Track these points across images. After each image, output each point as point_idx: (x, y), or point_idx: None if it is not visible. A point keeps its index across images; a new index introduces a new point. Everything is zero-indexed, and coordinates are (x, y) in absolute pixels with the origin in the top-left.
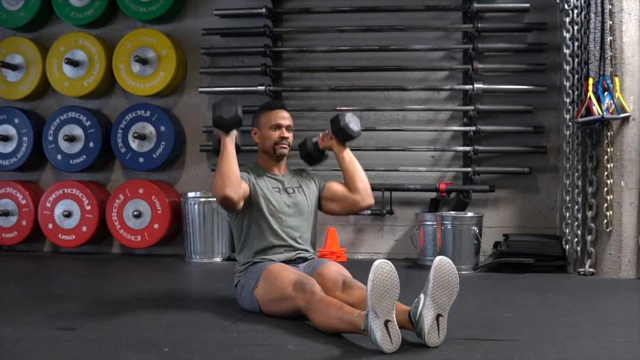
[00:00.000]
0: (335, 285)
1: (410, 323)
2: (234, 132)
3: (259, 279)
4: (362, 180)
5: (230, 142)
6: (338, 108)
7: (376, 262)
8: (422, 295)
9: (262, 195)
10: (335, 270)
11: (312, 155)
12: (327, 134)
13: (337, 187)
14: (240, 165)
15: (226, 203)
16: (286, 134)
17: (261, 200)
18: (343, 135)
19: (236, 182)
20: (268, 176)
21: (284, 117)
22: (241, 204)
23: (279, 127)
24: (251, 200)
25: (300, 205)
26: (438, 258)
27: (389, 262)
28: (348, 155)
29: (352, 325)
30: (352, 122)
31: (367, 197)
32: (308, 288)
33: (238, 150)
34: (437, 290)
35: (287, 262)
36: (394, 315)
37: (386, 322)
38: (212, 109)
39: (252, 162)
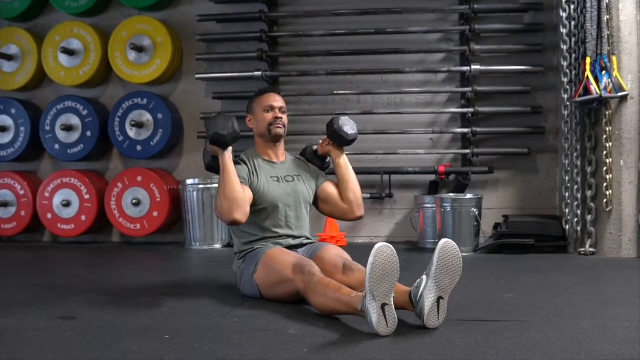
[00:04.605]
0: (335, 268)
1: (411, 303)
2: (231, 148)
3: (258, 263)
4: (354, 190)
5: (229, 159)
6: (335, 92)
7: (377, 245)
8: (424, 277)
9: (260, 185)
10: (335, 253)
11: (312, 162)
12: (325, 140)
13: (332, 190)
14: (236, 152)
15: (235, 225)
16: (279, 115)
17: (258, 195)
18: (338, 139)
19: (243, 203)
20: (266, 164)
21: (277, 99)
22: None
23: (272, 108)
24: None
25: (298, 194)
26: (443, 241)
27: (390, 245)
28: (344, 162)
29: (349, 306)
30: (347, 125)
31: (356, 209)
32: (307, 270)
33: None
34: (440, 273)
35: (287, 248)
36: (392, 299)
37: (383, 306)
38: (207, 126)
39: (250, 149)
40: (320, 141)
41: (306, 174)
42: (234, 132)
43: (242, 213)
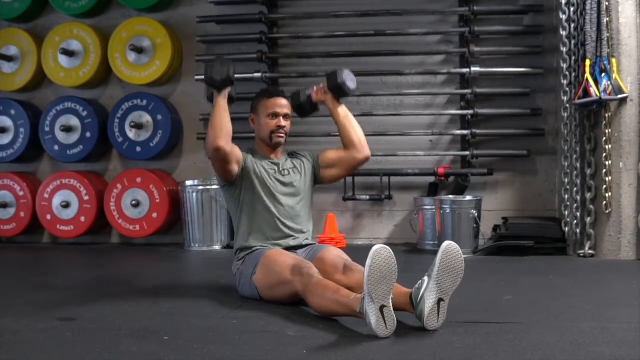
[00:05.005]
0: (335, 269)
1: (411, 305)
2: (227, 89)
3: (257, 265)
4: (358, 133)
5: (222, 99)
6: None
7: (375, 248)
8: (426, 278)
9: (257, 176)
10: (335, 254)
11: (304, 108)
12: (321, 88)
13: (331, 153)
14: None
15: (219, 155)
16: (283, 123)
17: (256, 180)
18: (339, 92)
19: (227, 134)
20: (264, 159)
21: (282, 106)
22: (235, 167)
23: (276, 115)
24: (247, 181)
25: (295, 184)
26: (446, 243)
27: (387, 247)
28: (343, 110)
29: (348, 307)
30: (349, 79)
31: (363, 149)
32: (305, 271)
33: (233, 101)
34: (442, 274)
35: (286, 249)
36: (390, 301)
37: (382, 308)
38: (205, 68)
39: (248, 147)
40: (315, 89)
41: (299, 161)
42: (227, 78)
43: (225, 141)
